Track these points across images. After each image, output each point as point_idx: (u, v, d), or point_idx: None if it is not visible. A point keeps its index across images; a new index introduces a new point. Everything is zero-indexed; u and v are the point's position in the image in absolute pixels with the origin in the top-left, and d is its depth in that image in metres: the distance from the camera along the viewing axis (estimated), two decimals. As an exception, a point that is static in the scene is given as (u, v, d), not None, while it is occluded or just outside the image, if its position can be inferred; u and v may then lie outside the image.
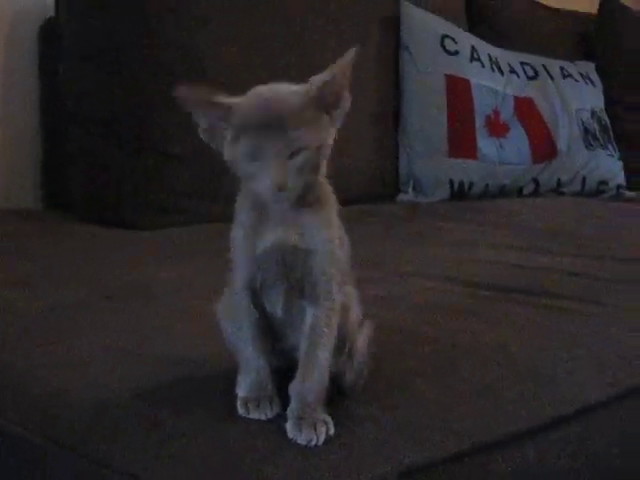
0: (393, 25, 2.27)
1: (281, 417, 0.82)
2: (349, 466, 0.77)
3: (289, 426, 0.80)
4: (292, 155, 0.80)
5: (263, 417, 0.83)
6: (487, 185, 2.29)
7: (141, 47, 1.79)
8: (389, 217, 1.98)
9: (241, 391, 0.85)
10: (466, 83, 2.28)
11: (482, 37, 2.44)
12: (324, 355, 0.82)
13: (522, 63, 2.47)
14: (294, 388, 0.82)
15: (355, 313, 0.89)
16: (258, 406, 0.83)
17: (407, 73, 2.26)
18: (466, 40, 2.36)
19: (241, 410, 0.83)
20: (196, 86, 0.83)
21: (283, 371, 0.86)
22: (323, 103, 0.82)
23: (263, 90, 0.83)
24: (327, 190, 0.85)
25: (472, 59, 2.32)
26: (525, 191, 2.39)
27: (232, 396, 0.86)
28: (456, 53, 2.29)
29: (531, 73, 2.47)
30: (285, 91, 0.82)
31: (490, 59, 2.37)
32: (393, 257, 1.53)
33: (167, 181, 1.79)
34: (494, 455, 0.85)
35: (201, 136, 0.84)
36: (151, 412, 0.85)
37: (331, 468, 0.76)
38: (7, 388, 0.96)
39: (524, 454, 0.87)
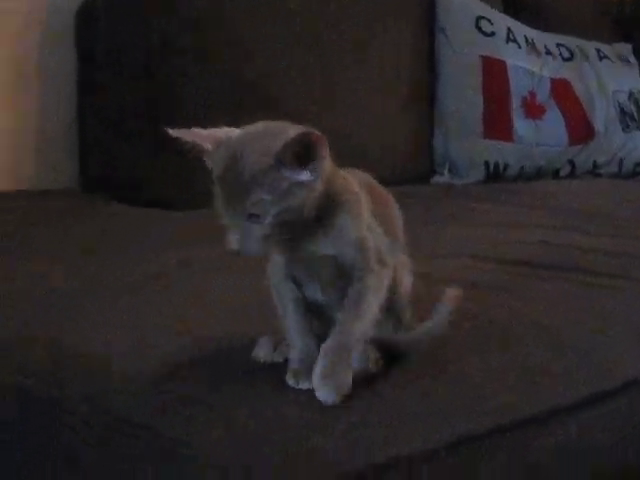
0: (428, 7, 2.27)
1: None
2: (399, 437, 0.78)
3: (315, 377, 0.81)
4: (251, 217, 0.79)
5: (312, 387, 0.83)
6: (522, 167, 2.28)
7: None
8: (426, 198, 1.98)
9: (290, 363, 0.86)
10: (502, 64, 2.27)
11: (517, 18, 2.42)
12: (372, 302, 0.84)
13: (558, 44, 2.45)
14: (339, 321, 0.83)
15: (406, 285, 0.90)
16: (307, 376, 0.84)
17: (443, 55, 2.25)
18: (502, 21, 2.35)
19: (290, 381, 0.85)
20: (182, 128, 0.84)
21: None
22: (294, 160, 0.78)
23: (240, 139, 0.81)
24: (341, 187, 0.84)
25: (508, 40, 2.31)
26: (561, 173, 2.37)
27: (270, 372, 0.88)
28: (492, 34, 2.28)
29: (567, 54, 2.45)
30: (258, 146, 0.79)
31: (526, 40, 2.35)
32: (430, 238, 1.53)
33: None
34: (536, 430, 0.86)
35: None
36: (191, 388, 0.86)
37: (381, 439, 0.77)
38: (45, 358, 0.98)
39: (566, 429, 0.88)
